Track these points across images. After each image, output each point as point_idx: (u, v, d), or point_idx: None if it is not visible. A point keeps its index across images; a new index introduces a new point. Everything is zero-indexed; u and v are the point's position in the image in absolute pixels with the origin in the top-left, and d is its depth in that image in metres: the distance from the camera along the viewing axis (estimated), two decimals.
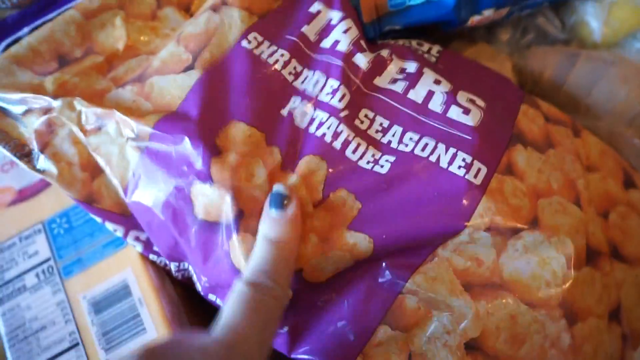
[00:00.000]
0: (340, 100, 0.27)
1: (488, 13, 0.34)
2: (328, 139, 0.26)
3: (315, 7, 0.31)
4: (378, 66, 0.29)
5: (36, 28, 0.34)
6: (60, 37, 0.30)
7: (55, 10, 0.34)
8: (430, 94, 0.28)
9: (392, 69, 0.30)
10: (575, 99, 0.36)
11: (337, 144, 0.26)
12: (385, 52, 0.30)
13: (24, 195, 0.32)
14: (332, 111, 0.27)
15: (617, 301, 0.26)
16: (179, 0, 0.32)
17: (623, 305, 0.27)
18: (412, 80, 0.29)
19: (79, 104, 0.27)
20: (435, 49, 0.33)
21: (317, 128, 0.27)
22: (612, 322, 0.25)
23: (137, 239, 0.30)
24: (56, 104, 0.27)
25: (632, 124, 0.35)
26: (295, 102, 0.27)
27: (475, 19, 0.34)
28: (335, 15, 0.30)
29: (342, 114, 0.27)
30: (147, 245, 0.30)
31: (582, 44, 0.38)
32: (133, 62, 0.30)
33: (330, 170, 0.26)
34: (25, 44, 0.30)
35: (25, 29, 0.34)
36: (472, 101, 0.28)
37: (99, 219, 0.29)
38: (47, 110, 0.28)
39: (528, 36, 0.39)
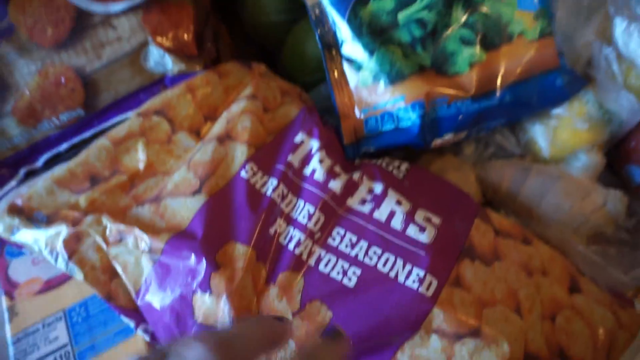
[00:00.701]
0: (315, 224, 0.33)
1: (448, 137, 0.40)
2: (304, 257, 0.32)
3: (299, 138, 0.38)
4: (350, 188, 0.36)
5: (73, 145, 0.41)
6: (93, 161, 0.37)
7: (90, 130, 0.41)
8: (392, 214, 0.34)
9: (362, 189, 0.36)
10: (529, 208, 0.41)
11: (312, 261, 0.32)
12: (357, 175, 0.36)
13: (50, 285, 0.37)
14: (308, 232, 0.33)
15: None
16: (190, 125, 0.39)
17: None
18: (378, 201, 0.35)
19: (105, 220, 0.33)
20: (404, 166, 0.39)
21: (296, 247, 0.32)
22: None
23: (145, 330, 0.35)
24: (87, 219, 0.34)
25: (577, 232, 0.40)
26: (280, 223, 0.33)
27: (437, 142, 0.40)
28: (314, 144, 0.37)
29: (317, 236, 0.33)
30: (154, 336, 0.34)
31: (535, 158, 0.44)
32: (151, 182, 0.37)
33: (306, 283, 0.31)
34: (65, 167, 0.36)
35: (64, 145, 0.41)
36: (428, 219, 0.34)
37: (115, 311, 0.34)
38: (76, 222, 0.34)
39: (489, 150, 0.45)
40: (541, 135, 0.43)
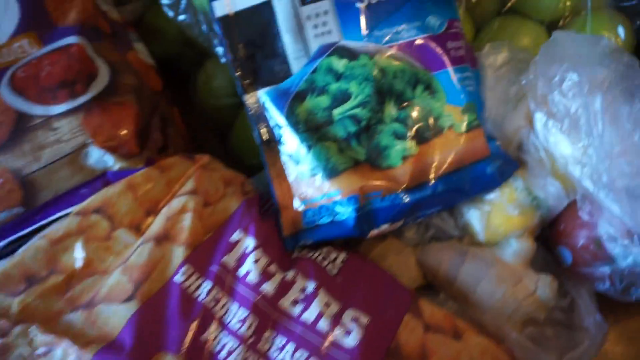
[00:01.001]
0: (248, 328, 0.34)
1: (384, 227, 0.42)
2: None
3: (235, 237, 0.38)
4: (284, 288, 0.36)
5: (9, 243, 0.41)
6: (29, 262, 0.37)
7: (29, 226, 0.41)
8: (319, 315, 0.34)
9: (295, 289, 0.36)
10: (465, 293, 0.43)
11: None
12: (291, 274, 0.37)
13: None
14: (241, 338, 0.33)
15: None
16: (130, 222, 0.40)
17: None
18: (308, 301, 0.35)
19: (33, 332, 0.33)
20: (341, 258, 0.40)
21: (228, 354, 0.33)
22: None
23: None
24: (16, 329, 0.34)
25: (510, 320, 0.41)
26: (212, 329, 0.34)
27: (374, 232, 0.42)
28: (250, 243, 0.38)
29: (250, 341, 0.33)
30: None
31: (472, 241, 0.46)
32: (89, 282, 0.37)
33: None
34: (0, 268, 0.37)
35: (1, 243, 0.41)
36: (356, 319, 0.35)
37: None
38: (4, 334, 0.34)
39: (429, 232, 0.47)
40: (476, 219, 0.45)
